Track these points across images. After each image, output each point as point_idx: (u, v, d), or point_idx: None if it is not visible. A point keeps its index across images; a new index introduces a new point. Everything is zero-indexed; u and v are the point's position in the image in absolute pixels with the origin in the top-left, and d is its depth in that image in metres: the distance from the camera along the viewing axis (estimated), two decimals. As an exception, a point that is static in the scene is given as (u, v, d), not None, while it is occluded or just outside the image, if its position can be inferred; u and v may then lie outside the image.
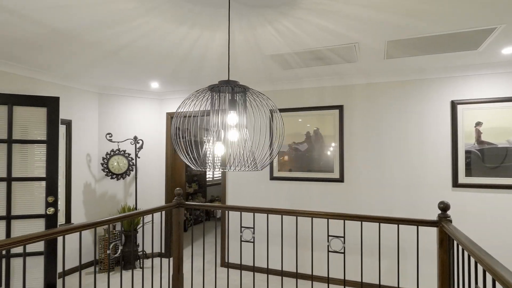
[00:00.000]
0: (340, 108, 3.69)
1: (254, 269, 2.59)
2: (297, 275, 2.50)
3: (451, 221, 2.17)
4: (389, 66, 3.20)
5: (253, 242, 2.64)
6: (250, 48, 2.68)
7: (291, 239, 3.80)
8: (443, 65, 3.14)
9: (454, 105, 3.25)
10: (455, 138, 3.24)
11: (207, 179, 7.54)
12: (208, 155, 1.52)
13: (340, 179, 3.66)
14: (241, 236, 2.64)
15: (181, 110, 1.58)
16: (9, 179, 2.78)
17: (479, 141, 3.19)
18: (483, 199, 3.14)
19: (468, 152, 3.22)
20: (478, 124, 3.20)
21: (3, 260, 2.66)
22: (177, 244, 2.98)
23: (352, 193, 3.60)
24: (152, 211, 2.62)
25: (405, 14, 2.03)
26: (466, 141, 3.22)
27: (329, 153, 3.72)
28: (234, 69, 3.33)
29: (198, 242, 5.15)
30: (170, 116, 4.43)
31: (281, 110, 3.95)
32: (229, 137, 1.49)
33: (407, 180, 3.39)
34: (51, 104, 2.95)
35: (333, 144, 3.71)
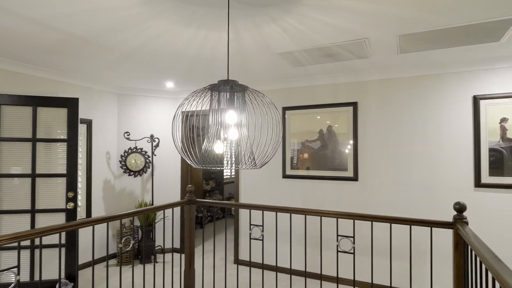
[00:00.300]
0: (354, 105, 3.60)
1: (263, 266, 2.60)
2: (305, 274, 2.48)
3: (467, 223, 2.06)
4: (404, 61, 3.08)
5: (262, 240, 2.65)
6: (258, 47, 2.68)
7: (303, 237, 3.77)
8: (463, 58, 2.97)
9: (476, 100, 3.08)
10: (477, 136, 3.07)
11: (224, 177, 7.63)
12: (206, 153, 1.55)
13: (354, 178, 3.58)
14: (250, 233, 2.66)
15: (181, 110, 1.61)
16: (33, 175, 2.97)
17: (504, 138, 3.00)
18: (509, 200, 2.95)
19: (492, 150, 3.04)
20: (504, 120, 3.00)
21: (28, 251, 2.86)
22: (189, 240, 3.05)
23: (367, 193, 3.51)
24: (163, 207, 2.69)
25: (416, 6, 1.95)
26: (490, 138, 3.04)
27: (342, 151, 3.65)
28: (244, 68, 3.35)
29: (210, 241, 5.24)
30: (186, 115, 4.53)
31: (294, 108, 3.91)
32: (229, 136, 1.50)
33: (425, 180, 3.25)
34: (71, 105, 3.11)
35: (346, 142, 3.64)
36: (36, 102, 3.03)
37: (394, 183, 3.38)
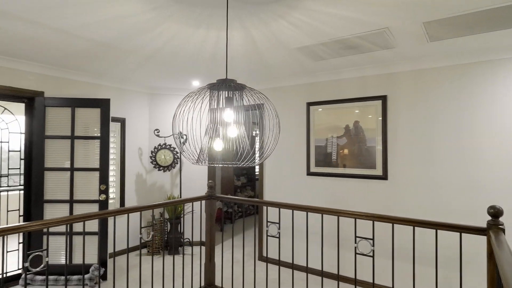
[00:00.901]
0: (383, 98, 3.39)
1: (279, 263, 2.59)
2: (322, 274, 2.42)
3: (503, 230, 1.84)
4: (438, 49, 2.81)
5: (279, 237, 2.64)
6: (272, 44, 2.66)
7: (326, 237, 3.67)
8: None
9: (525, 91, 2.72)
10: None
11: (256, 173, 7.68)
12: (205, 150, 1.58)
13: (383, 177, 3.38)
14: (267, 231, 2.67)
15: (180, 109, 1.65)
16: (72, 169, 3.29)
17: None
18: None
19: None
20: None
21: (67, 237, 3.17)
22: (209, 234, 3.14)
23: (397, 192, 3.30)
24: (183, 201, 2.80)
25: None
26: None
27: (370, 147, 3.47)
28: (262, 65, 3.33)
29: (239, 236, 5.33)
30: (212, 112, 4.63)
31: (318, 103, 3.80)
32: (228, 134, 1.52)
33: (464, 180, 2.95)
34: (103, 105, 3.36)
35: (375, 138, 3.44)
36: (74, 103, 3.34)
37: (428, 183, 3.13)
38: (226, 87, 1.56)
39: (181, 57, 3.05)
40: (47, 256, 1.92)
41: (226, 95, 1.60)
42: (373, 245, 2.25)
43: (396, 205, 3.28)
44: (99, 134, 3.38)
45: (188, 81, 4.11)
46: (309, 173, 3.85)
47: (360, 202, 3.50)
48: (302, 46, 2.70)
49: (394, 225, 3.27)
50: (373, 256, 2.23)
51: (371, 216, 2.27)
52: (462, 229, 1.99)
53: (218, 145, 1.55)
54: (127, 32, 2.42)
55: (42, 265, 1.93)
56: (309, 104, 3.88)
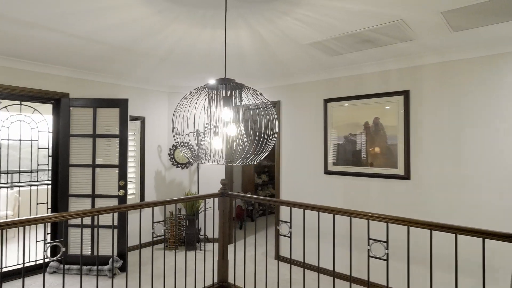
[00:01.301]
0: (405, 93, 3.21)
1: (290, 262, 2.56)
2: (334, 274, 2.35)
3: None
4: (464, 40, 2.60)
5: (290, 237, 2.60)
6: (282, 41, 2.62)
7: (340, 238, 3.55)
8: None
9: None
10: None
11: (277, 171, 7.61)
12: (205, 148, 1.58)
13: (406, 176, 3.20)
14: (278, 229, 2.63)
15: (181, 107, 1.67)
16: (93, 166, 3.47)
17: None
18: None
19: None
20: None
21: (88, 230, 3.35)
22: (222, 231, 3.17)
23: (420, 193, 3.11)
24: (196, 198, 2.85)
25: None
26: None
27: (391, 145, 3.30)
28: (276, 62, 3.29)
29: (262, 234, 5.32)
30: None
31: (336, 100, 3.68)
32: (228, 132, 1.51)
33: (498, 182, 2.71)
34: (122, 105, 3.51)
35: (396, 136, 3.27)
36: (95, 103, 3.51)
37: (455, 184, 2.91)
38: (223, 86, 1.55)
39: (193, 57, 3.09)
40: (64, 246, 2.03)
41: (224, 95, 1.59)
42: (387, 248, 2.15)
43: (419, 206, 3.10)
44: (117, 132, 3.52)
45: (204, 79, 4.17)
46: (327, 172, 3.75)
47: (379, 203, 3.35)
48: (314, 41, 2.62)
49: (415, 228, 3.09)
50: (387, 260, 2.12)
51: (385, 218, 2.16)
52: (485, 234, 1.83)
53: (218, 143, 1.54)
54: (138, 35, 2.50)
55: (58, 255, 2.04)
56: (327, 101, 3.77)
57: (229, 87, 1.58)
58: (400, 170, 3.25)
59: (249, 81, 4.26)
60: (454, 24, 2.24)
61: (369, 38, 2.54)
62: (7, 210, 4.28)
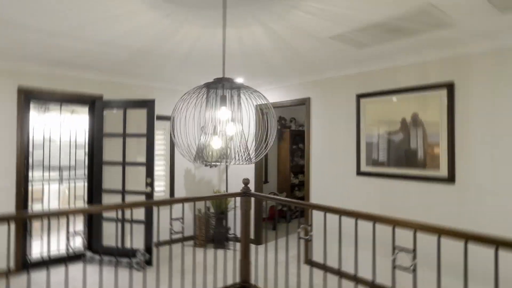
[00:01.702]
0: (449, 86, 2.83)
1: (311, 264, 2.39)
2: (356, 279, 2.14)
3: None
4: (518, 20, 2.19)
5: (311, 240, 2.43)
6: (299, 35, 2.48)
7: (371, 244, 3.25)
8: None
9: None
10: None
11: (313, 171, 7.34)
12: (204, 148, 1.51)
13: (449, 179, 2.82)
14: (298, 232, 2.49)
15: (180, 108, 1.63)
16: (124, 164, 3.65)
17: None
18: None
19: None
20: None
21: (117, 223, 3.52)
22: (244, 232, 3.10)
23: (466, 197, 2.71)
24: (217, 197, 2.83)
25: None
26: None
27: (432, 144, 2.95)
28: (300, 58, 3.14)
29: (293, 236, 5.15)
30: (260, 108, 4.56)
31: (370, 95, 3.39)
32: (227, 131, 1.43)
33: None
34: (149, 106, 3.64)
35: (438, 133, 2.91)
36: (125, 105, 3.70)
37: (510, 188, 2.49)
38: (221, 87, 1.48)
39: (211, 56, 3.08)
40: (90, 238, 2.11)
41: (222, 94, 1.53)
42: (415, 258, 1.88)
43: (465, 213, 2.70)
44: (145, 132, 3.65)
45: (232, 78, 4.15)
46: (359, 173, 3.48)
47: (417, 207, 3.01)
48: (334, 34, 2.43)
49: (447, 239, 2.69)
50: (414, 271, 1.86)
51: (411, 224, 1.90)
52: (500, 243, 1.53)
53: (217, 143, 1.47)
54: (154, 38, 2.56)
55: (81, 244, 2.14)
56: (359, 96, 3.49)
57: (226, 86, 1.51)
58: (443, 172, 2.88)
59: (276, 79, 4.14)
60: (498, 3, 1.88)
61: (397, 27, 2.27)
62: (59, 205, 4.69)
